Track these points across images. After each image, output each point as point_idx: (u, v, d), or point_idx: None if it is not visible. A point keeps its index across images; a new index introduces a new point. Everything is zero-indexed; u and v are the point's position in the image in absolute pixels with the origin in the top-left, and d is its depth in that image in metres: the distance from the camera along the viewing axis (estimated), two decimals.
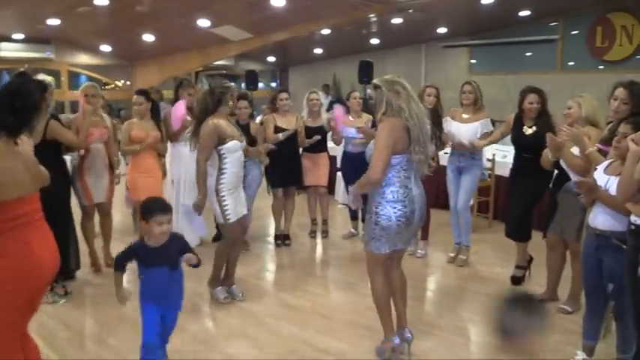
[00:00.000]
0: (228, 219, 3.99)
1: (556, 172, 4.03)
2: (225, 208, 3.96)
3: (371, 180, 3.08)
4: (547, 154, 3.86)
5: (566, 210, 3.87)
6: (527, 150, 4.36)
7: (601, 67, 11.10)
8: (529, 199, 4.43)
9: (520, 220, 4.51)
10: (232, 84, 4.20)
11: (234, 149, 3.97)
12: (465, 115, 4.95)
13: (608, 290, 2.94)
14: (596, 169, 3.07)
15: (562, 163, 3.78)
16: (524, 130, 4.42)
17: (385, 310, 3.34)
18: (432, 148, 3.35)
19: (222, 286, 4.24)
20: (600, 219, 2.93)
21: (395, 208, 3.11)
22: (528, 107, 4.37)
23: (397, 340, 3.36)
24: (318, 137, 5.59)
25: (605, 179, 2.91)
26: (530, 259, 4.63)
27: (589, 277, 3.08)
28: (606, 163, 2.98)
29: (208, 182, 3.97)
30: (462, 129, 4.90)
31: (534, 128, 4.35)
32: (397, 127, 3.09)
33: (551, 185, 4.14)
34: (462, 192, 5.03)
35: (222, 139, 3.92)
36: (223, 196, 3.96)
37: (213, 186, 3.96)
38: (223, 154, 3.94)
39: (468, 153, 4.93)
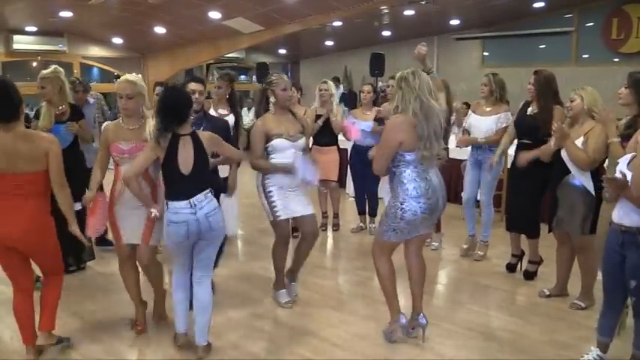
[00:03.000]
0: (278, 216, 3.85)
1: (555, 165, 3.99)
2: (274, 205, 3.84)
3: (376, 171, 3.39)
4: (549, 145, 3.86)
5: (568, 204, 3.84)
6: (527, 133, 4.33)
7: (616, 59, 10.96)
8: (532, 192, 4.37)
9: (526, 215, 4.46)
10: (276, 76, 3.95)
11: (280, 147, 3.81)
12: (486, 108, 4.91)
13: (631, 287, 2.89)
14: (617, 162, 3.01)
15: (563, 155, 3.74)
16: (527, 112, 4.43)
17: (391, 292, 3.45)
18: (441, 144, 3.34)
19: (284, 289, 4.07)
20: (627, 215, 2.86)
21: (420, 202, 3.21)
22: (527, 88, 4.41)
23: (403, 320, 3.45)
24: (324, 118, 5.61)
25: (629, 175, 2.84)
26: (541, 260, 4.59)
27: (610, 273, 3.01)
28: (628, 157, 2.91)
29: (256, 179, 3.94)
30: (481, 122, 4.87)
31: (535, 110, 4.34)
32: (402, 126, 3.16)
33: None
34: (484, 187, 5.01)
35: (269, 137, 3.82)
36: (270, 192, 3.84)
37: (260, 182, 3.91)
38: (270, 151, 3.84)
39: (486, 145, 4.89)
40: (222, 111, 4.90)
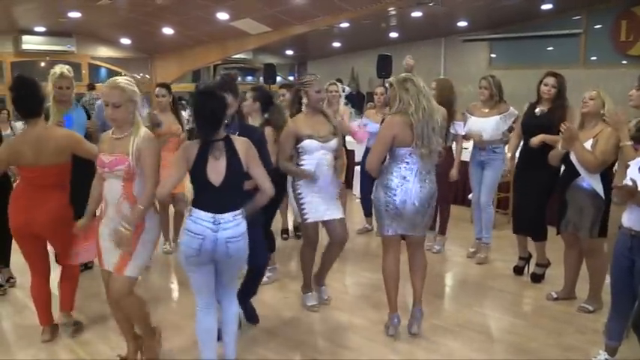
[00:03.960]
0: (306, 219, 3.80)
1: (563, 167, 3.97)
2: (303, 207, 3.78)
3: (367, 168, 3.46)
4: (557, 148, 3.84)
5: (577, 207, 3.81)
6: (535, 133, 4.30)
7: (625, 61, 10.90)
8: (538, 194, 4.35)
9: (533, 218, 4.44)
10: (310, 77, 3.85)
11: (311, 148, 3.72)
12: (484, 110, 4.90)
13: None
14: (628, 165, 2.99)
15: (572, 157, 3.72)
16: (535, 112, 4.39)
17: (390, 288, 3.54)
18: (439, 141, 3.40)
19: (311, 292, 4.06)
20: (638, 220, 2.84)
21: (386, 193, 3.37)
22: (543, 89, 4.33)
23: (395, 320, 3.56)
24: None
25: (639, 181, 2.82)
26: (548, 263, 4.58)
27: (619, 277, 2.99)
28: (639, 161, 2.89)
29: (287, 180, 3.89)
30: (481, 123, 4.85)
31: (545, 110, 4.31)
32: (398, 124, 3.29)
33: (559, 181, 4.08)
34: (484, 187, 4.99)
35: (299, 138, 3.74)
36: (300, 193, 3.78)
37: (291, 183, 3.85)
38: (300, 152, 3.77)
39: (488, 146, 4.88)
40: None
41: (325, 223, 3.85)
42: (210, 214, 2.70)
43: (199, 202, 2.75)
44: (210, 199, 2.73)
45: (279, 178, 2.98)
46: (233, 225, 2.73)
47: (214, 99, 2.74)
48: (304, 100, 3.82)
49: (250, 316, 3.71)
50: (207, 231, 2.69)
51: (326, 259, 4.00)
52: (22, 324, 3.78)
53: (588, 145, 3.65)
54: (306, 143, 3.72)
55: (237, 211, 2.77)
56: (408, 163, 3.32)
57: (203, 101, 2.75)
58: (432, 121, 3.29)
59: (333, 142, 3.80)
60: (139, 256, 2.89)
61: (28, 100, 3.22)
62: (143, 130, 2.86)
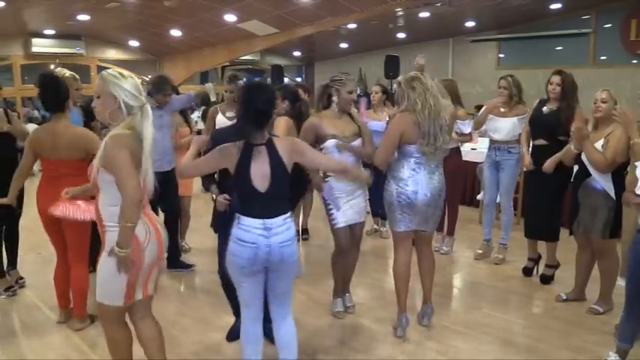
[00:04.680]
0: (335, 224, 3.69)
1: (576, 167, 3.95)
2: (331, 212, 3.68)
3: (376, 163, 3.49)
4: (570, 148, 3.82)
5: (589, 207, 3.78)
6: (543, 132, 4.29)
7: (635, 61, 10.81)
8: (550, 196, 4.32)
9: (544, 219, 4.41)
10: (343, 76, 3.73)
11: (334, 148, 3.60)
12: (503, 109, 4.88)
13: None
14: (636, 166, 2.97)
15: (583, 157, 3.70)
16: (543, 110, 4.38)
17: (400, 288, 3.55)
18: (446, 139, 3.44)
19: (340, 297, 3.97)
20: None
21: (398, 185, 3.41)
22: (549, 88, 4.33)
23: (403, 320, 3.56)
24: None
25: None
26: (558, 265, 4.55)
27: (635, 281, 2.95)
28: None
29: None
30: (500, 123, 4.83)
31: (553, 108, 4.30)
32: (405, 122, 3.35)
33: (571, 181, 4.05)
34: (502, 190, 4.98)
35: (321, 138, 3.62)
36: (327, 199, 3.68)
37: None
38: (324, 152, 3.59)
39: (504, 146, 4.86)
40: (229, 114, 4.94)
41: (350, 226, 3.74)
42: (259, 221, 2.59)
43: (247, 209, 2.62)
44: (258, 205, 2.61)
45: (295, 174, 2.92)
46: (284, 229, 2.63)
47: (267, 92, 2.64)
48: (334, 98, 3.69)
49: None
50: (259, 238, 2.58)
51: (348, 264, 3.88)
52: (32, 324, 3.80)
53: (599, 144, 3.63)
54: (330, 143, 3.60)
55: (287, 214, 2.68)
56: (417, 158, 3.38)
57: (256, 94, 2.60)
58: (438, 119, 3.32)
59: (357, 144, 3.68)
60: (99, 280, 2.52)
61: (51, 95, 3.49)
62: (115, 130, 2.42)
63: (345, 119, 3.74)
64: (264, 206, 2.61)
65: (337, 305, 3.96)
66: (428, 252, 3.66)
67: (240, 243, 2.59)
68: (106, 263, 2.45)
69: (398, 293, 3.56)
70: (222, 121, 4.82)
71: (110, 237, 2.44)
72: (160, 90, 4.59)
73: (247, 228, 2.58)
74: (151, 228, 2.51)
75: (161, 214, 4.50)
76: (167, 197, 4.36)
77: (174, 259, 4.82)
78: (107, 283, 2.48)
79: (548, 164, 4.14)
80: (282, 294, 2.76)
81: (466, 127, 5.01)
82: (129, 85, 2.46)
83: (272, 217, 2.60)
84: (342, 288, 3.98)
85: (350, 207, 3.67)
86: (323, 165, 3.10)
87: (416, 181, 3.37)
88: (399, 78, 3.52)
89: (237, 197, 2.71)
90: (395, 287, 3.57)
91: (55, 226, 3.54)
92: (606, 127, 3.68)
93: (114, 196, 2.41)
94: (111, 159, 2.37)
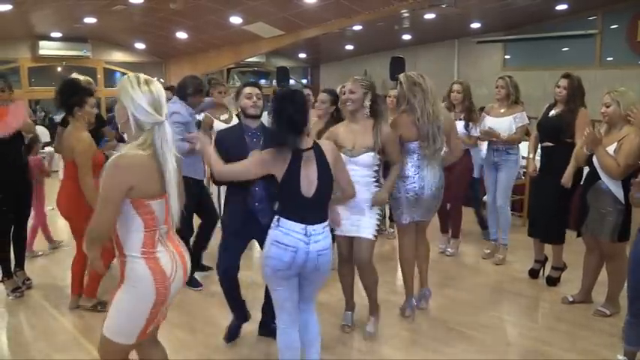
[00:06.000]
0: (333, 230, 3.60)
1: (586, 169, 3.93)
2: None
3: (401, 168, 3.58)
4: (583, 149, 3.80)
5: (598, 210, 3.76)
6: (550, 134, 4.32)
7: None
8: (556, 197, 4.30)
9: (550, 221, 4.39)
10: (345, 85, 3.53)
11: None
12: (501, 110, 4.89)
13: None
14: None
15: (594, 160, 3.68)
16: (550, 114, 4.39)
17: (407, 272, 3.85)
18: (443, 139, 3.61)
19: (347, 311, 3.83)
20: None
21: (404, 182, 3.62)
22: (555, 91, 4.36)
23: (413, 301, 3.92)
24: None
25: None
26: (564, 267, 4.53)
27: (637, 284, 2.94)
28: None
29: None
30: (498, 123, 4.83)
31: (559, 111, 4.31)
32: (402, 123, 3.57)
33: (581, 183, 4.03)
34: (499, 189, 4.98)
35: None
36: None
37: None
38: None
39: (502, 147, 4.85)
40: (223, 117, 4.95)
41: (352, 240, 3.52)
42: (301, 226, 2.55)
43: (289, 212, 2.57)
44: (301, 210, 2.58)
45: None
46: (323, 237, 2.61)
47: (297, 100, 2.58)
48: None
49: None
50: (299, 243, 2.55)
51: (364, 285, 3.64)
52: (39, 325, 3.83)
53: (612, 148, 3.58)
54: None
55: (326, 222, 2.67)
56: (419, 154, 3.60)
57: (286, 103, 2.55)
58: (437, 121, 3.53)
59: (365, 157, 3.37)
60: (112, 314, 2.22)
61: (61, 99, 3.88)
62: (125, 150, 2.15)
63: (363, 129, 3.40)
64: (308, 212, 2.59)
65: (346, 318, 3.81)
66: (424, 239, 3.97)
67: (280, 245, 2.55)
68: (124, 299, 2.16)
69: (405, 276, 3.86)
70: (220, 125, 4.83)
71: (131, 268, 2.13)
72: (197, 92, 4.37)
73: (288, 231, 2.55)
74: (176, 257, 2.24)
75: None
76: (206, 204, 4.39)
77: (196, 263, 4.52)
78: (123, 320, 2.19)
79: (566, 180, 4.12)
80: (311, 295, 2.81)
81: (474, 130, 5.02)
82: (143, 98, 2.12)
83: (313, 224, 2.58)
84: (348, 300, 3.82)
85: (346, 218, 3.39)
86: (344, 181, 2.88)
87: (421, 177, 3.61)
88: (401, 77, 3.63)
89: (281, 201, 2.65)
90: (402, 273, 3.90)
91: (66, 219, 4.02)
92: (618, 129, 3.63)
93: (133, 220, 2.13)
94: (102, 181, 2.10)
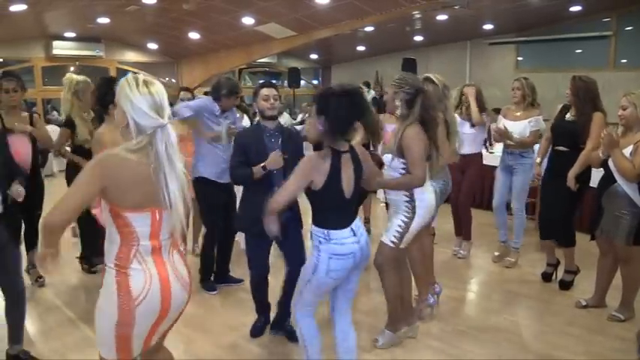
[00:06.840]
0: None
1: (602, 172, 3.88)
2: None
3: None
4: (598, 152, 3.77)
5: (613, 213, 3.71)
6: (564, 138, 4.29)
7: None
8: (567, 201, 4.27)
9: (561, 224, 4.36)
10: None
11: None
12: (517, 113, 4.85)
13: None
14: None
15: (610, 163, 3.64)
16: (566, 117, 4.37)
17: (420, 274, 3.81)
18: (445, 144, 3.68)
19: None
20: None
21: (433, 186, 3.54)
22: (566, 94, 4.35)
23: (432, 300, 3.91)
24: None
25: None
26: (577, 270, 4.49)
27: None
28: None
29: None
30: (514, 127, 4.80)
31: (574, 116, 4.28)
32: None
33: (596, 186, 3.99)
34: (515, 193, 4.96)
35: None
36: None
37: None
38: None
39: (516, 151, 4.82)
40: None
41: None
42: (348, 229, 2.61)
43: (335, 222, 2.60)
44: (343, 211, 2.64)
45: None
46: (362, 228, 2.70)
47: (358, 102, 2.57)
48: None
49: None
50: (354, 246, 2.61)
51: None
52: (51, 323, 3.85)
53: (628, 151, 3.55)
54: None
55: (357, 214, 2.81)
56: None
57: (346, 105, 2.51)
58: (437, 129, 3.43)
59: (385, 158, 3.39)
60: (98, 331, 2.09)
61: (98, 95, 3.95)
62: (110, 150, 2.03)
63: (396, 130, 3.38)
64: (348, 212, 2.67)
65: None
66: (429, 238, 4.00)
67: (340, 257, 2.58)
68: (98, 307, 2.06)
69: (419, 280, 3.81)
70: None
71: (105, 278, 2.03)
72: (232, 93, 4.28)
73: (341, 241, 2.58)
74: (154, 280, 2.00)
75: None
76: (233, 210, 4.26)
77: (223, 274, 4.57)
78: (98, 329, 2.08)
79: (572, 183, 4.12)
80: (351, 289, 2.80)
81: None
82: (143, 100, 1.97)
83: (354, 220, 2.67)
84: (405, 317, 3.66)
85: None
86: (374, 177, 2.93)
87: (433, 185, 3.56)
88: (433, 77, 3.81)
89: (322, 208, 2.62)
90: (415, 276, 3.77)
91: None
92: (635, 132, 3.60)
93: (111, 230, 2.02)
94: (82, 170, 1.97)
